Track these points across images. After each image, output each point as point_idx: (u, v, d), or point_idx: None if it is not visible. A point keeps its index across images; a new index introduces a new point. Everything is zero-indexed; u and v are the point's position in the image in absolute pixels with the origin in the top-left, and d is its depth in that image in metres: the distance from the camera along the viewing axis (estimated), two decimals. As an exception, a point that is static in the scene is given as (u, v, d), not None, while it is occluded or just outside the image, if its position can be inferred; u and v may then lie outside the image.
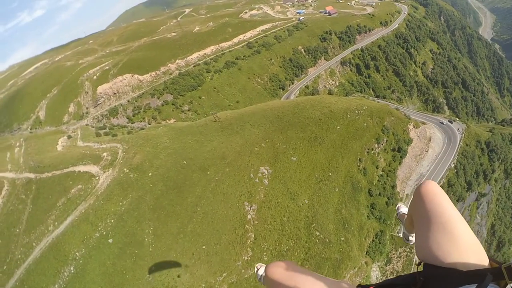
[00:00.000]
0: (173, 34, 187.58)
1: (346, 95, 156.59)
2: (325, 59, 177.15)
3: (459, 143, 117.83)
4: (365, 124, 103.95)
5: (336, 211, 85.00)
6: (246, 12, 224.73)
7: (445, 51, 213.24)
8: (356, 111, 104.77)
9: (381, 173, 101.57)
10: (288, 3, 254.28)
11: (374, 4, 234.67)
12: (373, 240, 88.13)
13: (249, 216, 71.52)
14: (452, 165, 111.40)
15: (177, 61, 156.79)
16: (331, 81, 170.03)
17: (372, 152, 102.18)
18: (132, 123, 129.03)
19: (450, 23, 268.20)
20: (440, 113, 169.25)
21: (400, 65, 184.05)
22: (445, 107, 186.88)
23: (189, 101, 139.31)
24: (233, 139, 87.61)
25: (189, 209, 69.14)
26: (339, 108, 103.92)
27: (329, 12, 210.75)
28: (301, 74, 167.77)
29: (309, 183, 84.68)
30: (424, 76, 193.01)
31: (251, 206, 72.88)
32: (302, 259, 70.19)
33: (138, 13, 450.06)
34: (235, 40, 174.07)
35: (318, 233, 75.02)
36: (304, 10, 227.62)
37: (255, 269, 5.55)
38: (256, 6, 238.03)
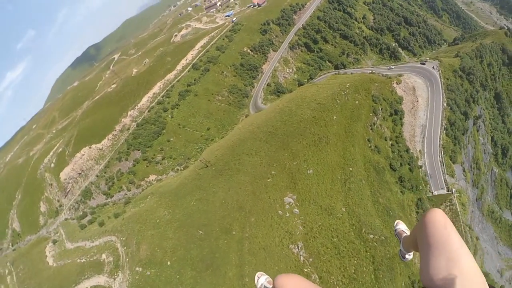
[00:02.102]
0: (113, 86, 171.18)
1: (310, 78, 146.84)
2: (273, 50, 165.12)
3: (440, 80, 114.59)
4: (357, 102, 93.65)
5: (374, 203, 75.95)
6: (176, 35, 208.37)
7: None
8: (342, 93, 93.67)
9: (391, 142, 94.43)
10: (211, 10, 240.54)
11: None
12: (417, 212, 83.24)
13: (301, 258, 59.02)
14: (445, 104, 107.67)
15: (129, 112, 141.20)
16: (288, 69, 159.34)
17: (375, 126, 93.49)
18: (111, 198, 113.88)
19: None
20: (400, 60, 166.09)
21: (344, 27, 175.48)
22: (399, 49, 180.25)
23: (159, 150, 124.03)
24: (238, 180, 73.04)
25: (235, 284, 55.01)
26: (324, 96, 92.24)
27: (257, 3, 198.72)
28: (258, 75, 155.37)
29: (336, 188, 73.21)
30: (369, 29, 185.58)
31: (297, 246, 60.05)
32: (373, 271, 59.96)
33: (69, 78, 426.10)
34: (179, 67, 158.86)
35: (372, 236, 65.24)
36: (232, 11, 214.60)
37: (256, 278, 5.21)
38: (183, 25, 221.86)
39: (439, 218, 2.74)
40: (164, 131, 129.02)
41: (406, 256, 4.85)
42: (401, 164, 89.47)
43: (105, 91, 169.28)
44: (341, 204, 70.13)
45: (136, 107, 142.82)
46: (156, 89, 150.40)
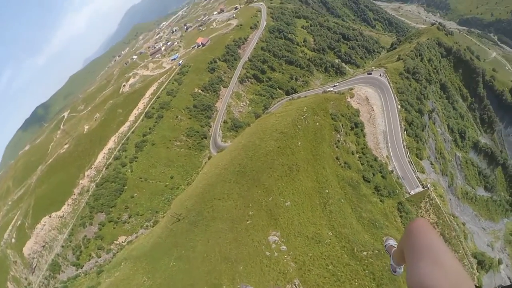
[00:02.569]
0: (66, 146, 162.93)
1: (265, 108, 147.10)
2: (224, 87, 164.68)
3: (390, 85, 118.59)
4: (317, 123, 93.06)
5: (358, 219, 74.61)
6: (124, 85, 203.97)
7: (313, 20, 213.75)
8: (302, 117, 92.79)
9: (358, 155, 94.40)
10: (157, 56, 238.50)
11: (234, 15, 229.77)
12: (400, 216, 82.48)
13: (301, 299, 54.38)
14: (399, 106, 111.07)
15: (86, 173, 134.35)
16: (241, 103, 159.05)
17: (340, 143, 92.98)
18: (81, 268, 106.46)
19: None
20: (346, 74, 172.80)
21: (288, 54, 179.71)
22: (343, 64, 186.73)
23: (124, 208, 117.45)
24: (216, 228, 68.83)
25: None
26: (285, 124, 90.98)
27: (201, 43, 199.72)
28: (212, 114, 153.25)
29: (318, 214, 70.82)
30: (312, 51, 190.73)
31: (294, 284, 56.51)
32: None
33: (21, 141, 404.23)
34: (131, 118, 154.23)
35: (365, 253, 63.14)
36: (177, 54, 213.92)
37: None
38: (131, 73, 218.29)
39: (421, 226, 2.83)
40: (125, 187, 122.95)
41: (397, 270, 4.80)
42: (373, 174, 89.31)
43: (58, 153, 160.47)
44: (326, 229, 67.53)
45: (93, 166, 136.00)
46: (111, 144, 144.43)
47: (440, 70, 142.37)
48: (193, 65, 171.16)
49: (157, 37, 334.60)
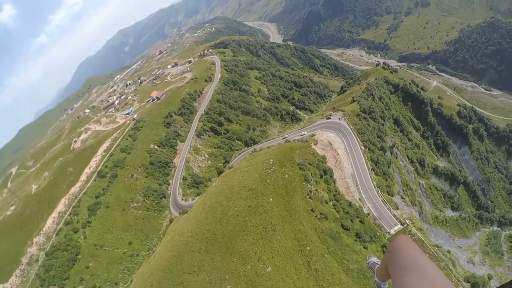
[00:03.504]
0: (12, 208, 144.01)
1: (226, 162, 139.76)
2: (181, 141, 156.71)
3: (350, 127, 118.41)
4: (286, 175, 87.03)
5: (347, 272, 69.03)
6: (75, 141, 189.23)
7: (265, 71, 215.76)
8: (269, 171, 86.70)
9: (332, 203, 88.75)
10: (110, 110, 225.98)
11: (188, 68, 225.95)
12: None
13: None
14: (362, 147, 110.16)
15: (35, 239, 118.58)
16: (200, 158, 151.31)
17: (312, 193, 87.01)
18: None
19: (251, 49, 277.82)
20: (301, 120, 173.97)
21: (244, 104, 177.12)
22: (298, 111, 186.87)
23: (79, 280, 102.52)
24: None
25: None
26: (252, 180, 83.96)
27: (156, 97, 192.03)
28: (170, 171, 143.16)
29: (303, 275, 64.07)
30: (267, 100, 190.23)
31: None
32: None
33: None
34: (82, 177, 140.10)
35: None
36: (131, 109, 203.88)
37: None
38: (83, 128, 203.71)
39: (404, 243, 2.86)
40: (79, 256, 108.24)
41: (382, 286, 4.78)
42: (351, 220, 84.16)
43: (4, 216, 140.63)
44: (315, 290, 57.96)
45: (42, 232, 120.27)
46: (61, 207, 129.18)
47: (391, 106, 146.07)
48: (148, 120, 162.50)
49: (111, 90, 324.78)
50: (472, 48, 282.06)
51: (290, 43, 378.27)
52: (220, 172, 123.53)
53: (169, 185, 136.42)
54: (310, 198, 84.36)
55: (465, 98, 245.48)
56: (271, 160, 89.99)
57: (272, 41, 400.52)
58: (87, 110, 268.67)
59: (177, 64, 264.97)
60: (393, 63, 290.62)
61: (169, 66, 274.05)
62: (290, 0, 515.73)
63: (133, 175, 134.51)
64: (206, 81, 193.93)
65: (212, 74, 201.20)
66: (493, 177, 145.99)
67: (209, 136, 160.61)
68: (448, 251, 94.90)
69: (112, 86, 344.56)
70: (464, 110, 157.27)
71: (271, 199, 76.57)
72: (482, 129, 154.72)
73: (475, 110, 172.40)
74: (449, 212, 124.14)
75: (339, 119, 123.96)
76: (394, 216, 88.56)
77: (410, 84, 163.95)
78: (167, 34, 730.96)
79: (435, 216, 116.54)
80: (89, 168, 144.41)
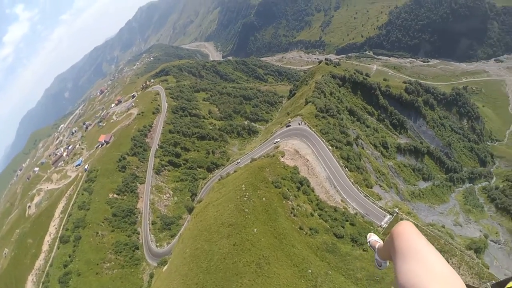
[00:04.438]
0: None
1: (193, 194, 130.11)
2: (140, 183, 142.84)
3: (311, 130, 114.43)
4: (263, 199, 78.98)
5: (356, 283, 63.83)
6: (29, 206, 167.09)
7: (212, 90, 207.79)
8: (244, 198, 78.13)
9: (317, 213, 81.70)
10: (60, 164, 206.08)
11: (133, 103, 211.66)
12: None
13: None
14: (330, 147, 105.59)
15: None
16: (165, 196, 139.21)
17: (295, 210, 79.64)
18: None
19: (193, 71, 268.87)
20: (258, 132, 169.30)
21: (197, 129, 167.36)
22: (253, 124, 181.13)
23: None
24: None
25: None
26: (229, 214, 75.23)
27: (105, 141, 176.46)
28: (137, 217, 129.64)
29: None
30: (219, 119, 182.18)
31: None
32: None
33: None
34: (44, 247, 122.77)
35: None
36: (81, 159, 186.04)
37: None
38: (35, 190, 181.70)
39: (406, 229, 2.86)
40: None
41: (383, 264, 4.83)
42: (342, 226, 78.16)
43: None
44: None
45: None
46: (30, 286, 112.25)
47: (343, 98, 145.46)
48: (100, 168, 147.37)
49: (57, 142, 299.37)
50: (403, 27, 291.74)
51: (230, 58, 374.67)
52: (190, 209, 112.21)
53: (139, 234, 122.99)
54: (294, 215, 77.10)
55: (407, 74, 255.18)
56: (243, 185, 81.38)
57: (212, 59, 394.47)
58: (36, 168, 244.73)
59: (121, 101, 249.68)
60: (332, 57, 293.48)
61: (113, 105, 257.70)
62: (223, 17, 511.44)
63: (98, 233, 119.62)
64: (153, 113, 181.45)
65: (159, 105, 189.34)
66: (452, 140, 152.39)
67: (169, 171, 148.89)
68: (443, 226, 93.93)
69: (58, 137, 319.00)
70: (411, 86, 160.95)
71: (255, 230, 68.05)
72: (431, 99, 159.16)
73: (420, 83, 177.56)
74: (422, 184, 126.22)
75: (299, 124, 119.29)
76: (380, 208, 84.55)
77: (355, 73, 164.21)
78: (106, 72, 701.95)
79: (411, 191, 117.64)
80: (49, 235, 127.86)
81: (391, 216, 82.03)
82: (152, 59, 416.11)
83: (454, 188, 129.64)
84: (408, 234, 2.76)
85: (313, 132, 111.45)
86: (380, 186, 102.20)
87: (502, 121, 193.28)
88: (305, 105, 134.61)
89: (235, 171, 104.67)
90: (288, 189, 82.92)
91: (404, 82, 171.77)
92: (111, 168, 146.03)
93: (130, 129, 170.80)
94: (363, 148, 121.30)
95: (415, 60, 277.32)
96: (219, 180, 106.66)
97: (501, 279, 2.62)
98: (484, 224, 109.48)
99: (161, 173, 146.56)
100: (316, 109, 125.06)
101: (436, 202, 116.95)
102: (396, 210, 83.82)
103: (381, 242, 5.03)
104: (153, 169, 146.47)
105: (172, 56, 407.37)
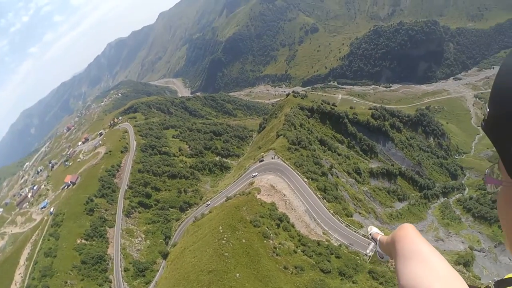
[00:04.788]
0: None
1: (166, 237, 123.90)
2: (110, 227, 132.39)
3: (285, 163, 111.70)
4: (243, 240, 73.82)
5: None
6: None
7: (181, 127, 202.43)
8: (223, 241, 72.39)
9: (300, 249, 77.96)
10: (24, 205, 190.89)
11: (100, 142, 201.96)
12: (381, 283, 68.63)
13: None
14: (305, 179, 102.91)
15: None
16: (136, 240, 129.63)
17: (277, 249, 75.22)
18: None
19: (162, 108, 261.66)
20: (230, 168, 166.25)
21: (168, 168, 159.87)
22: (224, 159, 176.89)
23: None
24: None
25: None
26: (208, 259, 69.10)
27: (71, 182, 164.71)
28: (108, 264, 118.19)
29: None
30: (190, 157, 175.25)
31: None
32: None
33: None
34: None
35: None
36: (46, 200, 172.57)
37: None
38: None
39: (408, 232, 2.84)
40: None
41: (384, 257, 4.73)
42: (327, 260, 74.26)
43: None
44: None
45: None
46: None
47: (313, 129, 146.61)
48: (67, 211, 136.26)
49: (22, 181, 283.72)
50: (364, 57, 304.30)
51: (198, 94, 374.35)
52: (164, 255, 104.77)
53: (111, 282, 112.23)
54: (277, 255, 72.49)
55: (371, 100, 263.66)
56: (220, 227, 76.14)
57: (181, 95, 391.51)
58: (0, 209, 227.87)
59: (88, 140, 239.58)
60: (298, 89, 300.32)
61: (80, 143, 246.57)
62: (191, 53, 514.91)
63: (66, 282, 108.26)
64: (122, 152, 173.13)
65: (127, 143, 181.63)
66: (421, 158, 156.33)
67: (140, 213, 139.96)
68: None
69: (23, 176, 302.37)
70: (377, 111, 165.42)
71: (237, 275, 62.55)
72: (397, 122, 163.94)
73: (385, 108, 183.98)
74: (399, 205, 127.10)
75: (272, 158, 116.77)
76: (363, 236, 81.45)
77: (322, 104, 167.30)
78: (73, 108, 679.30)
79: (389, 214, 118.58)
80: (15, 284, 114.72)
81: (375, 243, 78.94)
82: (121, 95, 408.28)
83: (429, 205, 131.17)
84: (410, 236, 2.72)
85: (287, 166, 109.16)
86: (360, 213, 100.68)
87: (466, 134, 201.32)
88: (276, 138, 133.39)
89: (210, 212, 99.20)
90: (267, 227, 78.69)
91: (370, 109, 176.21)
92: (78, 211, 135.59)
93: (98, 169, 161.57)
94: (337, 177, 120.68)
95: (377, 86, 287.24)
96: (193, 221, 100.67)
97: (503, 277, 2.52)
98: (464, 234, 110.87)
99: (131, 215, 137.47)
100: (288, 142, 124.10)
101: (414, 221, 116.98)
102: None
103: (382, 234, 4.79)
104: (122, 212, 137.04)
105: (141, 93, 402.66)
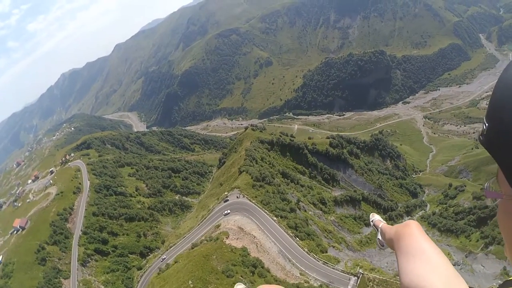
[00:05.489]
0: None
1: None
2: (65, 278, 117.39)
3: (252, 202, 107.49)
4: None
5: None
6: None
7: (138, 165, 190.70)
8: None
9: None
10: None
11: (51, 181, 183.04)
12: None
13: None
14: (275, 218, 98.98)
15: None
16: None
17: None
18: None
19: (117, 144, 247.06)
20: (192, 207, 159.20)
21: (125, 210, 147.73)
22: (185, 198, 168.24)
23: None
24: None
25: None
26: None
27: (20, 226, 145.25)
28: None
29: None
30: (148, 197, 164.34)
31: None
32: None
33: None
34: None
35: None
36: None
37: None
38: None
39: (414, 230, 2.82)
40: None
41: (385, 245, 4.45)
42: None
43: None
44: None
45: None
46: None
47: (274, 162, 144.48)
48: (17, 260, 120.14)
49: None
50: (317, 87, 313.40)
51: (154, 128, 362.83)
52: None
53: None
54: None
55: (326, 129, 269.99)
56: (190, 281, 68.09)
57: (136, 130, 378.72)
58: None
59: (38, 178, 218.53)
60: (255, 121, 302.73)
61: (30, 181, 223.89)
62: (147, 86, 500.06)
63: None
64: (74, 193, 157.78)
65: (80, 183, 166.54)
66: (381, 181, 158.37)
67: (97, 261, 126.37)
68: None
69: None
70: (334, 140, 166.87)
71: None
72: (355, 148, 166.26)
73: (342, 136, 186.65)
74: (366, 230, 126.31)
75: (237, 197, 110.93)
76: (342, 272, 78.86)
77: (281, 136, 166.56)
78: (23, 141, 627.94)
79: (358, 240, 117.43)
80: None
81: (356, 277, 76.52)
82: (73, 129, 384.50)
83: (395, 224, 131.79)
84: (415, 235, 2.70)
85: (253, 205, 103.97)
86: (333, 247, 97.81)
87: (420, 153, 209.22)
88: (239, 174, 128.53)
89: (176, 262, 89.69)
90: (242, 276, 71.74)
91: (328, 138, 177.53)
92: (29, 260, 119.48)
93: (49, 212, 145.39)
94: (305, 210, 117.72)
95: (331, 115, 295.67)
96: (158, 273, 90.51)
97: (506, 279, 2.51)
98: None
99: (87, 264, 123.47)
100: (252, 178, 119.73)
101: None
102: (360, 270, 78.69)
103: (384, 222, 4.68)
104: (78, 260, 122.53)
105: (94, 127, 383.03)
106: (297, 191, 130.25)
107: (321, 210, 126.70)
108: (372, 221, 5.26)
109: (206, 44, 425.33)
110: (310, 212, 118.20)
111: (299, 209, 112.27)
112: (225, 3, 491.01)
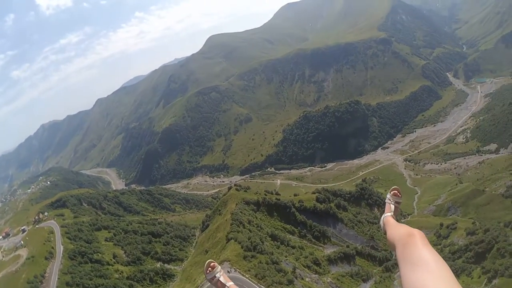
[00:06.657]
0: None
1: None
2: None
3: (245, 277, 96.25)
4: None
5: None
6: None
7: (115, 228, 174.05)
8: None
9: None
10: None
11: (22, 242, 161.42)
12: None
13: None
14: None
15: None
16: None
17: None
18: None
19: (94, 203, 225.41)
20: (174, 275, 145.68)
21: (101, 280, 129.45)
22: (167, 265, 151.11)
23: None
24: None
25: None
26: None
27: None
28: None
29: None
30: (127, 264, 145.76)
31: None
32: None
33: None
34: None
35: None
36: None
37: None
38: None
39: (418, 240, 2.86)
40: None
41: (382, 228, 4.79)
42: None
43: None
44: None
45: None
46: None
47: (261, 224, 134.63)
48: None
49: None
50: (297, 141, 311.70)
51: (133, 186, 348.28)
52: None
53: None
54: None
55: (309, 182, 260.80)
56: None
57: (114, 188, 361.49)
58: None
59: (9, 235, 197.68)
60: (236, 178, 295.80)
61: (0, 237, 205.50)
62: (127, 143, 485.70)
63: None
64: (46, 258, 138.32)
65: (53, 247, 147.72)
66: (372, 231, 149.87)
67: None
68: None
69: None
70: (320, 194, 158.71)
71: None
72: (342, 201, 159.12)
73: (327, 189, 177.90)
74: (365, 286, 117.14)
75: (228, 272, 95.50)
76: None
77: (266, 195, 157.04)
78: None
79: (340, 276, 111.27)
80: None
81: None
82: (50, 183, 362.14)
83: (393, 276, 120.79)
84: (420, 245, 2.74)
85: (248, 280, 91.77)
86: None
87: (406, 197, 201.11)
88: (226, 242, 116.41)
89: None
90: None
91: (314, 193, 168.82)
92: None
93: (18, 279, 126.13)
94: (302, 278, 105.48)
95: (313, 167, 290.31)
96: None
97: None
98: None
99: None
100: (242, 248, 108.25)
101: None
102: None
103: (390, 213, 4.92)
104: None
105: (71, 182, 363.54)
106: (289, 254, 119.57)
107: (316, 272, 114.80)
108: (388, 197, 5.48)
109: (187, 102, 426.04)
110: (307, 279, 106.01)
111: (296, 278, 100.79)
112: (205, 62, 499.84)
